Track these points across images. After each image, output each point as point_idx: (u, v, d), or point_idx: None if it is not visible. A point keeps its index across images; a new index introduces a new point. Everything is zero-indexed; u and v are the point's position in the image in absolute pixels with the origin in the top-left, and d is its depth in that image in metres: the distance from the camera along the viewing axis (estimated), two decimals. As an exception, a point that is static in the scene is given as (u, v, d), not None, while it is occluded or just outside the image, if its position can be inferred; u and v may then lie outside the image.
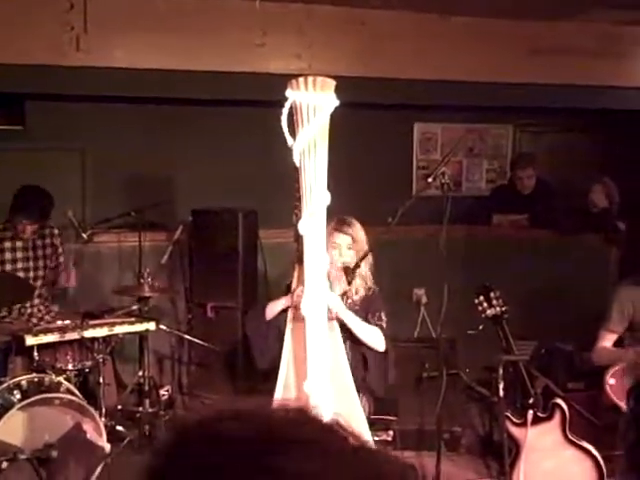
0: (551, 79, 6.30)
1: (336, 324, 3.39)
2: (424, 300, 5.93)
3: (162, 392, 4.84)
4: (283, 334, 3.39)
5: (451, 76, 6.02)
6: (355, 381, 3.40)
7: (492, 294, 3.93)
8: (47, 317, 4.74)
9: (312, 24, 5.58)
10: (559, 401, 3.87)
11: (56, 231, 4.87)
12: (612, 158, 6.74)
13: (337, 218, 3.64)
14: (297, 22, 5.51)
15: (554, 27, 6.23)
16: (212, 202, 5.38)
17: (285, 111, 2.82)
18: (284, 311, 3.49)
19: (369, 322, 3.53)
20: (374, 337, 3.54)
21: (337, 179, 5.47)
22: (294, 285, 3.43)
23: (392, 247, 5.16)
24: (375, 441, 3.89)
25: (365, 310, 3.58)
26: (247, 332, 3.81)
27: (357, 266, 3.52)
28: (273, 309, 3.55)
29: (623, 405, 3.76)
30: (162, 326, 4.68)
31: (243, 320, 4.95)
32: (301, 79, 2.80)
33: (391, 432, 4.25)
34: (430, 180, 3.62)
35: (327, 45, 5.66)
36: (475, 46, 6.06)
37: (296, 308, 3.24)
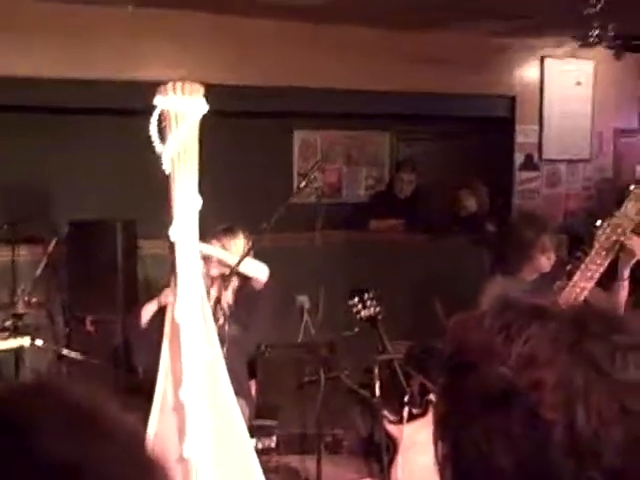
0: (426, 88, 6.53)
1: (213, 329, 3.39)
2: (307, 306, 6.00)
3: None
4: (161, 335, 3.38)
5: (329, 84, 6.15)
6: (234, 386, 3.41)
7: (366, 295, 4.03)
8: None
9: (188, 32, 5.57)
10: (433, 397, 3.99)
11: None
12: (483, 163, 7.04)
13: (221, 226, 3.69)
14: (173, 30, 5.49)
15: (428, 38, 6.46)
16: (90, 213, 5.27)
17: (154, 117, 2.81)
18: (161, 313, 3.48)
19: (244, 322, 3.57)
20: (254, 266, 3.58)
21: (218, 187, 5.50)
22: (168, 290, 3.43)
23: (273, 254, 5.18)
24: (259, 448, 3.92)
25: (244, 305, 3.62)
26: (126, 334, 3.79)
27: (232, 273, 3.54)
28: (148, 310, 3.55)
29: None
30: (38, 341, 4.54)
31: (123, 331, 4.89)
32: (169, 85, 2.80)
33: (274, 437, 4.28)
34: (302, 186, 3.69)
35: (203, 53, 5.66)
36: (352, 55, 6.21)
37: (172, 311, 3.21)
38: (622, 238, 3.32)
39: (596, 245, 3.36)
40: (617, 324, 0.81)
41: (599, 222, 3.40)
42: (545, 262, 3.88)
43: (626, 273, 3.46)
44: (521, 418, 0.77)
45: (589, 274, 3.41)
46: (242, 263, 3.51)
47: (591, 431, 0.75)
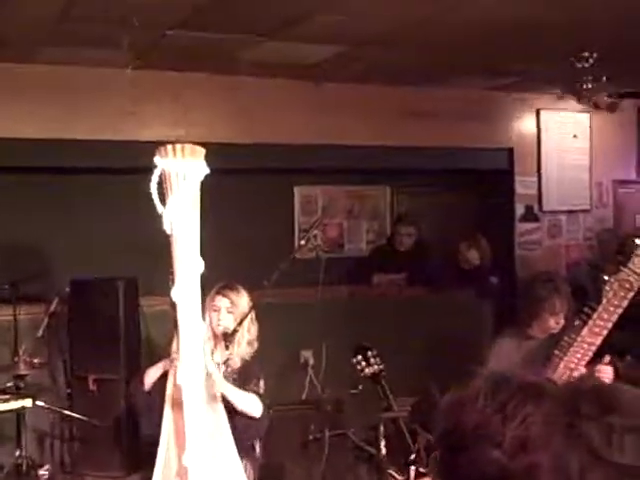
0: (424, 142, 6.61)
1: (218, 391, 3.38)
2: (311, 362, 5.95)
3: (41, 472, 4.64)
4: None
5: (328, 140, 6.22)
6: (238, 447, 3.37)
7: (369, 353, 3.99)
8: None
9: (187, 92, 5.66)
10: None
11: None
12: (484, 215, 7.08)
13: (222, 282, 3.67)
14: (173, 89, 5.58)
15: (426, 93, 6.56)
16: (91, 272, 5.28)
17: (154, 178, 2.82)
18: (165, 377, 3.45)
19: (246, 389, 3.51)
20: (250, 405, 3.50)
21: (220, 243, 5.52)
22: (173, 349, 3.40)
23: (278, 310, 5.18)
24: (264, 508, 3.85)
25: (243, 376, 3.57)
26: (130, 399, 3.74)
27: (235, 331, 3.52)
28: (151, 375, 3.51)
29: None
30: (39, 402, 4.51)
31: (126, 391, 4.84)
32: (169, 146, 2.82)
33: (279, 497, 4.22)
34: (302, 243, 3.70)
35: (203, 112, 5.75)
36: (350, 111, 6.29)
37: (174, 375, 3.20)
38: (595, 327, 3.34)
39: (604, 301, 3.34)
40: (611, 404, 0.80)
41: (606, 277, 3.39)
42: (553, 324, 3.87)
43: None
44: None
45: (597, 330, 3.39)
46: (238, 398, 3.46)
47: None
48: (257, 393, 3.53)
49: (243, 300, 3.66)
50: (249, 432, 3.55)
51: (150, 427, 3.53)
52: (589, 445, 0.75)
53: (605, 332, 3.39)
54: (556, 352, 3.56)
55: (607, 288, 3.35)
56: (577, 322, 3.47)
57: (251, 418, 3.50)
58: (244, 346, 3.61)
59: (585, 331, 3.41)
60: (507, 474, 0.76)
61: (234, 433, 3.38)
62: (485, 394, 0.82)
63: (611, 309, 3.35)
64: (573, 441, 0.76)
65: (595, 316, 3.37)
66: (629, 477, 0.75)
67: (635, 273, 3.32)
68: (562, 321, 3.85)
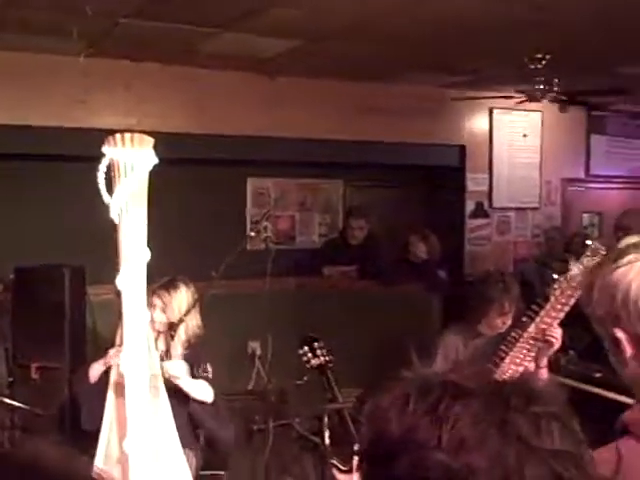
0: (377, 136, 6.65)
1: (160, 380, 3.37)
2: (259, 352, 5.97)
3: (-19, 461, 4.56)
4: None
5: (282, 133, 6.23)
6: (181, 437, 3.37)
7: (316, 344, 4.01)
8: None
9: (141, 81, 5.60)
10: (383, 446, 3.98)
11: None
12: (435, 211, 7.16)
13: (162, 280, 3.67)
14: (125, 78, 5.52)
15: (380, 88, 6.60)
16: (37, 259, 5.20)
17: (102, 167, 2.80)
18: (109, 370, 3.44)
19: (194, 376, 3.54)
20: (201, 390, 3.55)
21: (170, 234, 5.49)
22: (117, 341, 3.39)
23: (226, 301, 5.18)
24: (208, 497, 3.86)
25: (190, 364, 3.59)
26: (74, 394, 3.72)
27: (181, 320, 3.53)
28: (94, 371, 3.51)
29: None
30: (-20, 390, 4.44)
31: (70, 381, 4.79)
32: (118, 135, 2.80)
33: (223, 486, 4.22)
34: (252, 234, 3.71)
35: (156, 102, 5.70)
36: (304, 105, 6.30)
37: (116, 367, 3.19)
38: (543, 324, 3.38)
39: (551, 299, 3.39)
40: (533, 393, 0.82)
41: (555, 276, 3.44)
42: (499, 324, 3.91)
43: (544, 362, 3.51)
44: None
45: (543, 327, 3.45)
46: (188, 384, 3.48)
47: None
48: (206, 378, 3.55)
49: (179, 299, 3.67)
50: (205, 417, 3.58)
51: (91, 422, 3.52)
52: (521, 437, 0.76)
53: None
54: (502, 347, 3.61)
55: (555, 286, 3.40)
56: (524, 319, 3.52)
57: (204, 403, 3.53)
58: (183, 341, 3.63)
59: (532, 327, 3.46)
60: (450, 475, 0.75)
61: (190, 420, 3.40)
62: (411, 398, 0.81)
63: (558, 307, 3.40)
64: (506, 436, 0.76)
65: (542, 313, 3.42)
66: (561, 462, 0.77)
67: (584, 272, 3.37)
68: (509, 321, 3.91)
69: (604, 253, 3.43)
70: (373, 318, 5.76)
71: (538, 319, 3.43)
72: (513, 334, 3.55)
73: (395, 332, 5.60)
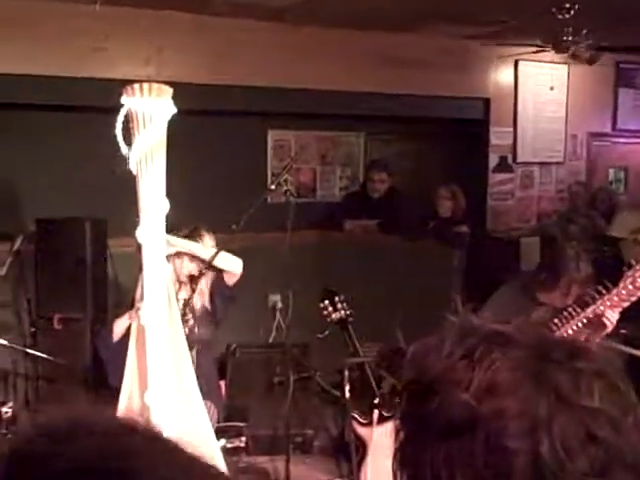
0: (400, 89, 6.54)
1: (180, 331, 3.37)
2: (279, 306, 5.98)
3: (4, 409, 4.64)
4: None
5: (304, 84, 6.14)
6: (202, 389, 3.39)
7: (337, 298, 4.02)
8: None
9: (161, 30, 5.52)
10: (403, 400, 3.99)
11: None
12: (457, 165, 7.06)
13: (189, 228, 3.66)
14: (145, 27, 5.44)
15: (404, 39, 6.47)
16: (58, 211, 5.21)
17: (120, 118, 2.77)
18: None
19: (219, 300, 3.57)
20: (228, 259, 3.61)
21: (190, 186, 5.47)
22: (137, 295, 3.39)
23: (246, 254, 5.16)
24: (228, 448, 3.90)
25: (211, 309, 3.61)
26: (99, 352, 3.75)
27: (202, 274, 3.52)
28: (119, 326, 3.51)
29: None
30: (2, 341, 4.49)
31: (92, 332, 4.84)
32: (136, 85, 2.76)
33: (243, 438, 4.27)
34: (272, 187, 3.67)
35: (177, 51, 5.62)
36: (326, 55, 6.20)
37: (137, 320, 3.19)
38: (604, 307, 3.21)
39: (621, 284, 3.24)
40: (579, 351, 0.80)
41: (633, 262, 3.27)
42: (563, 300, 3.55)
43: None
44: (483, 446, 0.75)
45: (602, 310, 3.31)
46: (216, 257, 3.51)
47: (555, 460, 0.73)
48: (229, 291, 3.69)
49: (207, 246, 3.66)
50: (210, 358, 3.62)
51: (118, 378, 3.55)
52: (557, 390, 0.75)
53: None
54: (556, 321, 3.43)
55: (629, 273, 3.24)
56: (588, 298, 3.35)
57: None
58: (208, 289, 3.63)
59: (589, 310, 3.32)
60: (475, 417, 0.75)
61: (198, 370, 3.42)
62: (452, 341, 0.81)
63: (624, 295, 3.24)
64: (541, 386, 0.75)
65: (607, 297, 3.27)
66: (597, 421, 0.74)
67: None
68: (575, 292, 3.54)
69: None
70: (394, 273, 5.73)
71: (600, 302, 3.27)
72: (569, 310, 3.37)
73: (415, 287, 5.59)
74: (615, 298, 3.23)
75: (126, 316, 3.50)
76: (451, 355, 0.80)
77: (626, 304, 3.24)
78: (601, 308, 3.24)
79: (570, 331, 3.29)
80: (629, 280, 3.20)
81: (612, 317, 3.25)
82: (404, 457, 0.83)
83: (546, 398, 0.75)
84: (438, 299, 5.31)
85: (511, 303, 3.63)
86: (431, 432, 0.79)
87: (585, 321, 3.27)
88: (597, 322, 3.25)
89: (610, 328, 3.28)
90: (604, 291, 3.25)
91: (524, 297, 3.67)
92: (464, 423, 0.76)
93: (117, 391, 3.57)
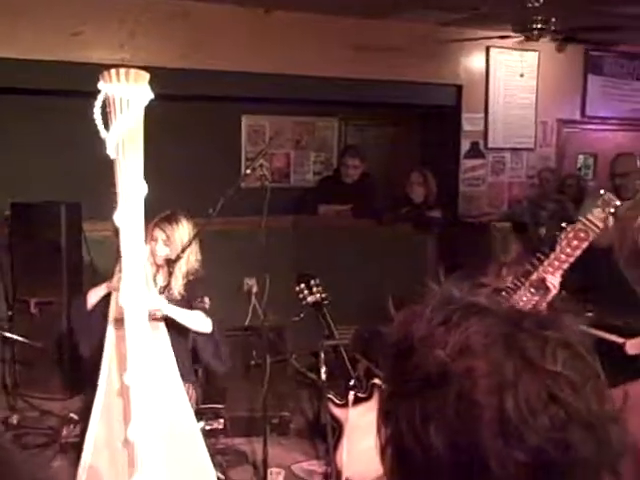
0: (374, 75, 6.59)
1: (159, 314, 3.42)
2: (255, 289, 6.02)
3: (-18, 393, 4.66)
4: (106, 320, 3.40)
5: (278, 69, 6.16)
6: (181, 371, 3.44)
7: (312, 282, 4.08)
8: None
9: (136, 14, 5.52)
10: (377, 381, 4.06)
11: None
12: (430, 150, 7.14)
13: (164, 213, 3.69)
14: (119, 12, 5.43)
15: (377, 25, 6.51)
16: (33, 196, 5.20)
17: (98, 103, 2.79)
18: (107, 299, 3.49)
19: (192, 308, 3.60)
20: (198, 321, 3.61)
21: (165, 171, 5.48)
22: (116, 268, 3.43)
23: (222, 238, 5.22)
24: (206, 430, 3.95)
25: (188, 297, 3.64)
26: (71, 321, 3.79)
27: (178, 258, 3.56)
28: (93, 296, 3.55)
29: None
30: (-21, 325, 4.50)
31: (68, 311, 4.85)
32: (113, 71, 2.78)
33: (222, 420, 4.32)
34: (248, 172, 3.71)
35: (151, 36, 5.62)
36: (300, 41, 6.22)
37: (117, 295, 3.22)
38: (545, 273, 3.35)
39: (557, 248, 3.36)
40: (549, 321, 0.87)
41: (564, 225, 3.39)
42: (497, 281, 3.76)
43: (543, 308, 3.50)
44: (455, 399, 0.83)
45: (544, 275, 3.43)
46: (185, 318, 3.53)
47: (518, 416, 0.81)
48: (203, 309, 3.61)
49: (181, 232, 3.69)
50: (205, 349, 3.66)
51: (87, 349, 3.60)
52: (524, 354, 0.82)
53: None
54: (503, 295, 3.56)
55: (562, 236, 3.35)
56: (529, 267, 3.48)
57: (204, 334, 3.61)
58: (184, 274, 3.67)
59: (534, 277, 3.43)
60: (448, 373, 0.83)
61: (190, 354, 3.48)
62: (432, 308, 0.89)
63: (563, 257, 3.35)
64: (509, 350, 0.83)
65: (546, 262, 3.39)
66: (558, 383, 0.81)
67: (593, 223, 3.33)
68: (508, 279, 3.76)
69: (616, 204, 3.40)
70: (368, 257, 5.81)
71: (541, 268, 3.39)
72: (515, 281, 3.51)
73: (389, 271, 5.67)
74: (555, 262, 3.36)
75: (103, 286, 3.53)
76: (431, 320, 0.87)
77: (566, 266, 3.37)
78: (543, 274, 3.38)
79: (520, 303, 3.43)
80: (564, 242, 3.33)
81: (554, 281, 3.38)
82: (386, 413, 0.90)
83: (513, 361, 0.82)
84: (412, 282, 5.39)
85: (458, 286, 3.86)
86: (410, 387, 0.86)
87: (532, 290, 3.40)
88: (542, 287, 3.39)
89: (554, 292, 3.41)
90: (542, 257, 3.39)
91: (469, 281, 3.83)
92: (439, 378, 0.84)
93: (86, 361, 3.63)
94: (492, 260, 3.89)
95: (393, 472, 0.91)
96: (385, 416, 0.90)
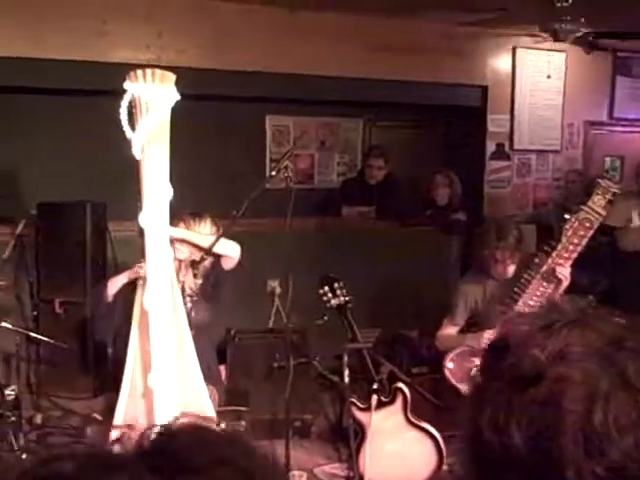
0: (399, 75, 6.54)
1: (183, 314, 3.41)
2: (278, 291, 6.00)
3: (7, 392, 4.67)
4: (128, 311, 3.38)
5: (303, 70, 6.14)
6: (204, 373, 3.43)
7: (336, 284, 4.05)
8: None
9: (162, 14, 5.53)
10: (401, 385, 4.04)
11: None
12: (455, 152, 7.09)
13: (188, 214, 3.69)
14: (146, 11, 5.44)
15: (403, 25, 6.47)
16: (60, 195, 5.23)
17: (124, 103, 2.80)
18: (128, 287, 3.48)
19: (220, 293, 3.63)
20: (226, 245, 3.63)
21: (189, 171, 5.49)
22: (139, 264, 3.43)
23: (246, 239, 5.19)
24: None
25: (212, 288, 3.66)
26: (91, 305, 3.80)
27: (203, 259, 3.56)
28: (115, 283, 3.54)
29: (461, 387, 3.99)
30: (5, 324, 4.51)
31: (92, 317, 4.87)
32: (139, 71, 2.79)
33: (243, 422, 4.31)
34: (273, 174, 3.70)
35: (177, 36, 5.62)
36: (325, 41, 6.20)
37: (141, 296, 3.21)
38: (555, 264, 3.36)
39: (563, 239, 3.39)
40: None
41: (567, 216, 3.43)
42: (502, 270, 3.91)
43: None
44: (543, 400, 0.82)
45: (554, 267, 3.45)
46: (216, 244, 3.53)
47: (605, 431, 0.80)
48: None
49: (203, 227, 3.68)
50: (209, 342, 3.67)
51: (102, 333, 3.63)
52: (622, 372, 0.82)
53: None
54: (516, 290, 3.61)
55: (567, 227, 3.39)
56: (537, 260, 3.52)
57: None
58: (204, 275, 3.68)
59: (545, 268, 3.46)
60: (542, 375, 0.83)
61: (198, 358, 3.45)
62: (537, 314, 0.92)
63: (571, 247, 3.40)
64: (607, 366, 0.83)
65: (554, 254, 3.42)
66: None
67: (594, 211, 3.36)
68: (510, 267, 3.87)
69: (615, 191, 3.41)
70: (392, 260, 5.77)
71: (550, 260, 3.44)
72: (526, 276, 3.55)
73: (413, 274, 5.63)
74: (564, 253, 3.38)
75: (126, 273, 3.52)
76: (534, 324, 0.89)
77: (575, 255, 3.39)
78: (553, 266, 3.41)
79: (534, 296, 3.46)
80: (570, 232, 3.35)
81: (565, 272, 3.41)
82: (474, 401, 0.90)
83: (609, 376, 0.82)
84: (436, 286, 5.35)
85: (471, 280, 4.21)
86: (502, 382, 0.86)
87: (544, 283, 3.43)
88: (553, 279, 3.42)
89: (566, 283, 3.44)
90: (549, 249, 3.41)
91: (482, 274, 4.08)
92: (532, 378, 0.84)
93: (100, 344, 3.62)
94: (484, 251, 3.97)
95: (468, 464, 0.91)
96: (472, 405, 0.91)
